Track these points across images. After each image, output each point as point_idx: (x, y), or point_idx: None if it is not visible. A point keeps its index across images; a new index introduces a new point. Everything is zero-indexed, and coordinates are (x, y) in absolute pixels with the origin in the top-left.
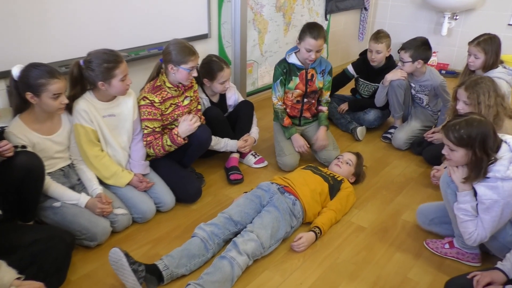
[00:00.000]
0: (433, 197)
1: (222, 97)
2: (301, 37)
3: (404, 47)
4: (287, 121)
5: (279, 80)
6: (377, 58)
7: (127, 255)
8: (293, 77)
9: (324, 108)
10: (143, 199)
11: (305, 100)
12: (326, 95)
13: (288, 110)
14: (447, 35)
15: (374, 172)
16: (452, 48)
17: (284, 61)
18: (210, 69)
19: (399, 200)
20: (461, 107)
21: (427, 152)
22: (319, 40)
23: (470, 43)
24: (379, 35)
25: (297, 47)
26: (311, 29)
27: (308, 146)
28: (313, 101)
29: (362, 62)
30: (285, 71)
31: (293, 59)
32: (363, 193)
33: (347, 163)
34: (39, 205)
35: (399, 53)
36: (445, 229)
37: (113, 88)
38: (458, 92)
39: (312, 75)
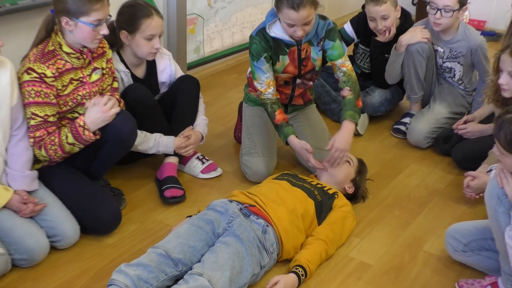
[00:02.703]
0: (466, 216)
1: (151, 69)
2: (277, 5)
3: None
4: (280, 116)
5: (263, 58)
6: (386, 26)
7: None
8: (280, 56)
9: (346, 91)
10: (28, 231)
11: (298, 81)
12: (343, 60)
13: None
14: None
15: (382, 182)
16: None
17: (263, 32)
18: (131, 15)
19: (419, 224)
20: (505, 81)
21: (457, 151)
22: (303, 11)
23: None
24: None
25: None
26: None
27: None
28: (311, 82)
29: (364, 20)
30: (268, 46)
31: (277, 32)
32: (366, 214)
33: (347, 161)
34: None
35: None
36: (486, 260)
37: None
38: (501, 60)
39: (307, 50)
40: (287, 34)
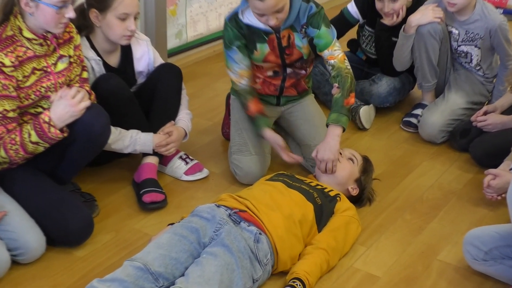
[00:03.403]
0: (487, 220)
1: (126, 57)
2: None
3: None
4: (254, 106)
5: (235, 47)
6: (394, 9)
7: None
8: (257, 45)
9: (334, 89)
10: None
11: (288, 70)
12: (331, 51)
13: (257, 86)
14: None
15: (391, 182)
16: None
17: (235, 18)
18: None
19: (433, 229)
20: None
21: (476, 147)
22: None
23: None
24: None
25: None
26: None
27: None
28: (303, 71)
29: None
30: (241, 34)
31: (251, 18)
32: (373, 219)
33: (350, 159)
34: None
35: None
36: (510, 270)
37: None
38: None
39: (289, 38)
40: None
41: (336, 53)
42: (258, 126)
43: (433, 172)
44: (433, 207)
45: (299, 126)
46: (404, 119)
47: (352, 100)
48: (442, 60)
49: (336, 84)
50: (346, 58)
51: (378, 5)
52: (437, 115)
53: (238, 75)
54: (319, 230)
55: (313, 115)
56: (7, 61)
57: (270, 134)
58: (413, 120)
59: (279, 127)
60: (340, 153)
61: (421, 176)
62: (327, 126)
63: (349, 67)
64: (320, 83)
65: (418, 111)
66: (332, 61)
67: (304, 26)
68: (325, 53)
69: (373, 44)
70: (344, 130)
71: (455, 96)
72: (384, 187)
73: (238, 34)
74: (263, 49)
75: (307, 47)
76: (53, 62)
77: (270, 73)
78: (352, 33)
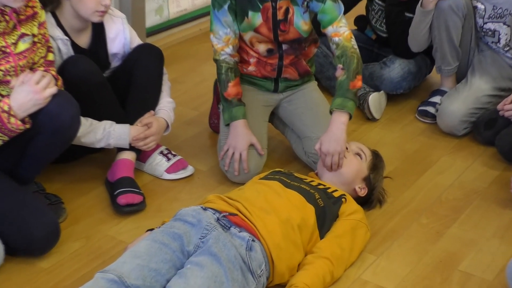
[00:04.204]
0: None
1: (98, 36)
2: None
3: None
4: (233, 89)
5: (226, 7)
6: None
7: None
8: (249, 13)
9: (339, 71)
10: None
11: (285, 47)
12: (336, 27)
13: (251, 67)
14: None
15: (405, 181)
16: None
17: None
18: None
19: (453, 235)
20: None
21: (504, 140)
22: None
23: None
24: None
25: None
26: None
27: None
28: (302, 50)
29: None
30: None
31: None
32: (384, 224)
33: (357, 154)
34: None
35: None
36: None
37: None
38: None
39: (287, 11)
40: None
41: (341, 30)
42: (233, 114)
43: (454, 169)
44: (453, 209)
45: (300, 115)
46: (420, 108)
47: (359, 83)
48: (465, 40)
49: (341, 65)
50: (353, 36)
51: None
52: (459, 103)
53: (222, 42)
54: (322, 236)
55: (316, 103)
56: None
57: (245, 128)
58: (431, 109)
59: (277, 118)
60: (346, 148)
61: (440, 174)
62: (330, 113)
63: (355, 46)
64: (323, 66)
65: (436, 99)
66: (336, 39)
67: (307, 1)
68: (329, 30)
69: (384, 21)
70: (350, 117)
71: (479, 81)
72: (396, 186)
73: None
74: (254, 18)
75: (307, 24)
76: (13, 41)
77: (264, 52)
78: (360, 9)
